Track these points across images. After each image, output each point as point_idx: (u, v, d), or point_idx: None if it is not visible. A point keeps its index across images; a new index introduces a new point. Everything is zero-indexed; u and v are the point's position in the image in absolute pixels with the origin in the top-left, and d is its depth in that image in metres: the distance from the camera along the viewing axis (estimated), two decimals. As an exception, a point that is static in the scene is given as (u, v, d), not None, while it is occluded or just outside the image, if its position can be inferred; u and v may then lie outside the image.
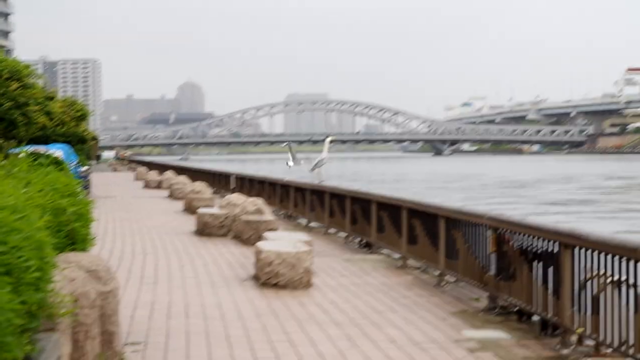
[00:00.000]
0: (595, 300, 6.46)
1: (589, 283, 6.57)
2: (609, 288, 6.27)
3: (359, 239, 14.80)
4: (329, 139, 20.01)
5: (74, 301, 5.53)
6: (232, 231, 16.31)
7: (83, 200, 7.30)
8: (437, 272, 10.51)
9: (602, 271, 6.38)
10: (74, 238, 6.74)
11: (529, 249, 7.72)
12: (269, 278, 10.12)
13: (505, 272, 8.21)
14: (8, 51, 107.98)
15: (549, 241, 7.33)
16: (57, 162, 9.99)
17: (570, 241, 6.86)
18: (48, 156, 12.84)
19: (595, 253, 6.50)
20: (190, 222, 19.10)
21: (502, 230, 8.29)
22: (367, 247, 14.13)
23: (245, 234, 15.04)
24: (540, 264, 7.48)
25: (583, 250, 6.73)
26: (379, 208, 13.44)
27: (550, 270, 7.26)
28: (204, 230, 16.56)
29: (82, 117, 38.97)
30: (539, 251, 7.53)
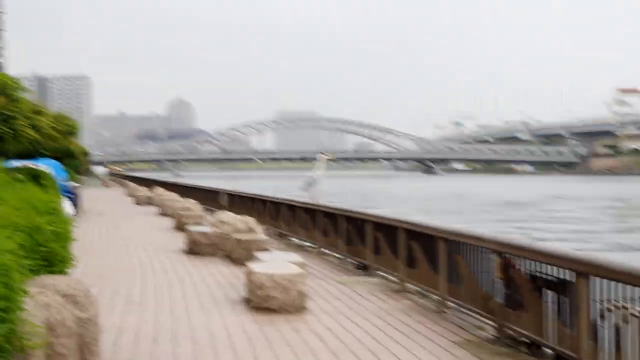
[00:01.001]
0: (616, 334, 5.97)
1: (608, 315, 6.09)
2: (632, 321, 5.79)
3: (354, 260, 14.29)
4: (323, 156, 19.49)
5: (49, 330, 5.03)
6: (222, 250, 15.81)
7: (62, 218, 6.79)
8: (437, 298, 10.01)
9: (623, 303, 5.90)
10: (51, 259, 6.25)
11: (539, 276, 7.23)
12: (261, 301, 9.62)
13: (513, 300, 7.72)
14: (0, 67, 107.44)
15: (562, 268, 6.84)
16: (35, 177, 9.48)
17: (587, 269, 6.38)
18: (30, 171, 12.34)
19: (614, 283, 6.03)
20: (179, 240, 18.60)
21: (509, 255, 7.81)
22: (363, 268, 13.62)
23: (236, 253, 14.54)
24: (553, 292, 6.99)
25: (600, 280, 6.26)
26: (374, 228, 12.94)
27: (564, 299, 6.77)
28: (194, 248, 16.06)
29: (72, 132, 38.44)
30: (550, 279, 7.04)
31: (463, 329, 8.64)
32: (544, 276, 7.16)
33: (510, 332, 7.84)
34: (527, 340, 7.57)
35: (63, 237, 6.61)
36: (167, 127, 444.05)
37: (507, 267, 7.84)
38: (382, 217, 12.73)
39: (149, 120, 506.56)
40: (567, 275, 6.75)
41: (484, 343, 7.91)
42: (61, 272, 6.46)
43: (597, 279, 6.30)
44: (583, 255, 6.62)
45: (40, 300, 4.99)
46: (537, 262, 7.24)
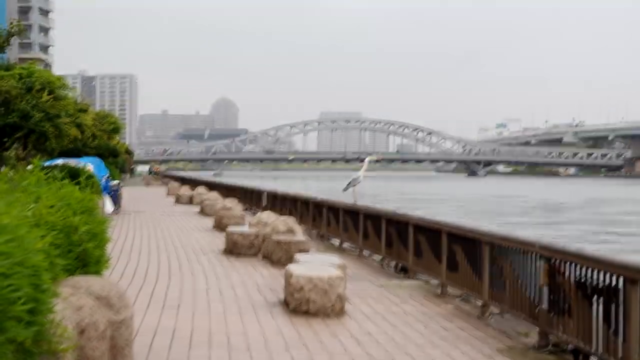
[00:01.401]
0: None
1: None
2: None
3: (394, 263, 14.07)
4: (369, 158, 19.31)
5: (80, 333, 4.90)
6: (262, 251, 15.68)
7: (98, 218, 6.67)
8: (480, 303, 9.75)
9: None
10: (86, 260, 6.12)
11: (587, 282, 6.96)
12: (299, 304, 9.45)
13: (559, 307, 7.45)
14: (47, 65, 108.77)
15: (612, 275, 6.58)
16: (74, 175, 9.37)
17: (638, 275, 6.11)
18: (63, 168, 12.29)
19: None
20: (219, 240, 18.52)
21: (556, 261, 7.54)
22: (404, 271, 13.40)
23: (276, 255, 14.40)
24: (602, 299, 6.72)
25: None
26: (416, 231, 12.71)
27: (614, 307, 6.50)
28: (233, 249, 15.95)
29: (115, 130, 38.79)
30: (599, 285, 6.77)
31: (506, 335, 8.39)
32: (592, 282, 6.90)
33: (555, 339, 7.58)
34: (572, 348, 7.31)
35: (99, 237, 6.48)
36: (210, 127, 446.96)
37: (553, 273, 7.57)
38: (425, 220, 12.49)
39: (192, 119, 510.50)
40: (617, 281, 6.48)
41: (527, 350, 7.65)
42: (96, 273, 6.34)
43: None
44: (633, 260, 6.35)
45: (72, 302, 4.87)
46: (586, 268, 6.97)
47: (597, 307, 6.77)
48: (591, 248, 7.49)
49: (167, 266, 14.04)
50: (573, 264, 7.22)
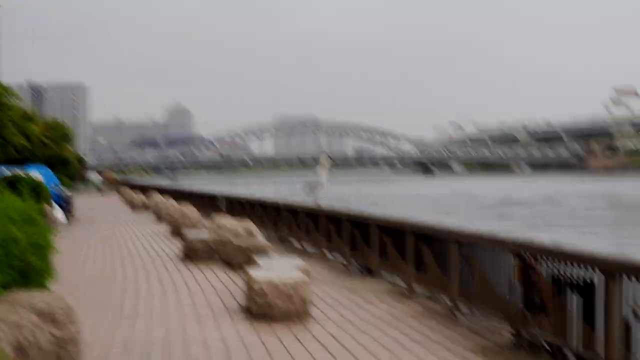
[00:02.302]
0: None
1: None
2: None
3: (358, 264, 13.70)
4: (324, 158, 18.85)
5: (21, 354, 4.45)
6: (220, 256, 15.22)
7: (42, 227, 6.18)
8: (449, 302, 9.41)
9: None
10: (28, 273, 5.65)
11: (562, 278, 6.66)
12: (262, 310, 9.03)
13: (534, 304, 7.13)
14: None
15: (588, 269, 6.27)
16: (12, 184, 8.77)
17: (618, 270, 5.81)
18: (9, 178, 11.71)
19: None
20: (176, 247, 18.03)
21: (529, 257, 7.21)
22: (368, 272, 13.04)
23: (236, 259, 13.95)
24: (578, 295, 6.41)
25: (633, 281, 5.70)
26: (380, 231, 12.35)
27: (592, 302, 6.20)
28: (191, 255, 15.46)
29: (66, 139, 37.93)
30: (575, 280, 6.46)
31: (478, 334, 8.06)
32: (567, 278, 6.59)
33: (529, 337, 7.25)
34: (548, 346, 7.00)
35: (43, 248, 6.01)
36: (165, 134, 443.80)
37: (526, 269, 7.25)
38: (388, 220, 12.16)
39: (146, 127, 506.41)
40: (595, 276, 6.18)
41: (501, 349, 7.32)
42: (40, 286, 5.87)
43: (630, 280, 5.75)
44: (614, 255, 6.06)
45: (10, 320, 4.41)
46: (561, 263, 6.67)
47: (574, 303, 6.47)
48: (568, 244, 7.16)
49: (123, 274, 13.54)
50: (548, 260, 6.90)
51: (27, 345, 4.43)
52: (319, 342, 7.87)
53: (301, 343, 7.82)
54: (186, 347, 7.67)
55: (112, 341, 7.92)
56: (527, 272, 7.25)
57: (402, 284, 11.34)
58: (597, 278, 6.18)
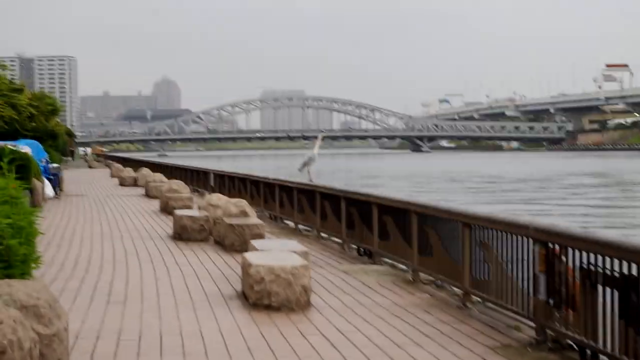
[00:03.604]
0: None
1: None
2: None
3: (356, 246, 13.13)
4: (321, 135, 18.33)
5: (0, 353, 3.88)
6: (213, 236, 14.64)
7: (24, 208, 5.58)
8: (459, 291, 8.85)
9: None
10: (9, 259, 5.06)
11: (594, 269, 6.08)
12: (260, 298, 8.45)
13: (560, 298, 6.57)
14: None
15: (624, 261, 5.70)
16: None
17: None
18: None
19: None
20: (167, 225, 17.44)
21: (556, 245, 6.63)
22: (368, 255, 12.47)
23: (229, 240, 13.36)
24: (612, 290, 5.84)
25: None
26: (381, 211, 11.76)
27: (629, 299, 5.64)
28: (182, 234, 14.87)
29: (54, 111, 37.12)
30: (609, 273, 5.89)
31: (496, 329, 7.48)
32: (599, 270, 6.01)
33: (554, 334, 6.70)
34: (575, 345, 6.45)
35: (25, 231, 5.41)
36: (152, 107, 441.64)
37: (552, 259, 6.68)
38: (390, 199, 11.54)
39: (134, 100, 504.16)
40: (634, 269, 5.61)
41: (525, 347, 6.75)
42: (22, 274, 5.28)
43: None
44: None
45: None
46: (592, 254, 6.08)
47: (607, 299, 5.90)
48: (602, 232, 6.55)
49: (112, 254, 12.94)
50: (576, 249, 6.33)
51: (7, 344, 3.86)
52: (323, 335, 7.29)
53: (304, 337, 7.23)
54: (181, 339, 7.09)
55: (102, 330, 7.34)
56: (552, 262, 6.68)
57: (405, 269, 10.78)
58: (636, 271, 5.59)
